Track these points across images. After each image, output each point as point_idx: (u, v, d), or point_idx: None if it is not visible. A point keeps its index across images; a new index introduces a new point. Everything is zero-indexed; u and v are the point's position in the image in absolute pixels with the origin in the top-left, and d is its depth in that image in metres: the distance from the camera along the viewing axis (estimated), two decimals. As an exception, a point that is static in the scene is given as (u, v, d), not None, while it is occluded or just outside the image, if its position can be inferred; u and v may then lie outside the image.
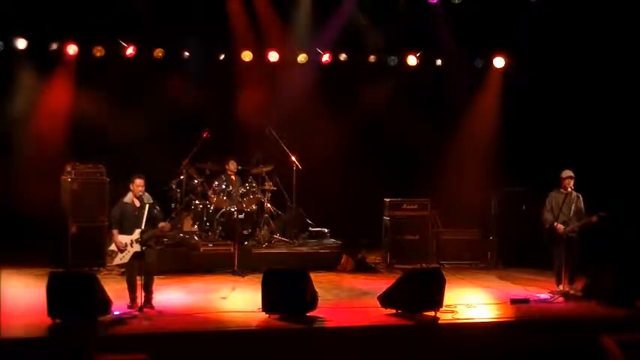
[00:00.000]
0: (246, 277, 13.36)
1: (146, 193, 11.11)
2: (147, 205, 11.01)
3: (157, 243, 11.87)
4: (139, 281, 10.91)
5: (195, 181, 14.92)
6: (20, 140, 14.85)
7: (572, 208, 12.34)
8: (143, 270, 10.92)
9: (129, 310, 10.72)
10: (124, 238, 10.92)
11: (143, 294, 10.87)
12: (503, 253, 14.98)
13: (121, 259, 10.94)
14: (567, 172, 12.42)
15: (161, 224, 11.03)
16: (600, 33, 15.19)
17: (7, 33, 14.53)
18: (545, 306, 11.76)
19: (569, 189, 12.36)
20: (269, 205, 15.33)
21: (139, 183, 11.02)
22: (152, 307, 10.88)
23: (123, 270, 11.34)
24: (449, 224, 15.12)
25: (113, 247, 10.99)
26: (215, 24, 15.40)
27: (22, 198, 14.15)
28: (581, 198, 12.42)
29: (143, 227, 10.89)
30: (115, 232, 10.99)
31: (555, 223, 12.26)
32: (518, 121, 16.05)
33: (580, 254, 12.34)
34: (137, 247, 10.87)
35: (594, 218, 12.21)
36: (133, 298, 10.87)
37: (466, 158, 16.30)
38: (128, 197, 11.09)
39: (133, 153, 14.68)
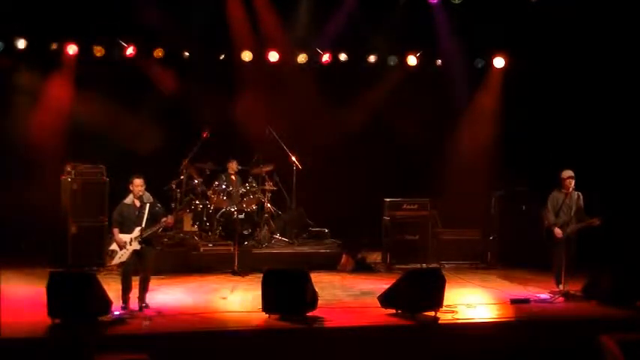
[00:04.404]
0: (246, 277, 13.37)
1: (146, 193, 11.11)
2: (147, 205, 11.02)
3: (156, 243, 11.87)
4: (135, 281, 10.92)
5: (195, 181, 14.93)
6: (20, 140, 14.84)
7: (573, 208, 12.34)
8: (141, 268, 10.93)
9: (128, 311, 10.71)
10: (124, 237, 10.92)
11: (138, 292, 10.88)
12: (503, 253, 14.97)
13: (120, 257, 10.94)
14: (568, 173, 12.42)
15: (164, 219, 11.05)
16: (600, 32, 15.18)
17: (7, 33, 14.52)
18: (545, 306, 11.77)
19: (571, 189, 12.37)
20: (269, 205, 15.33)
21: (137, 183, 11.02)
22: (147, 306, 10.89)
23: (121, 270, 11.29)
24: (449, 224, 15.12)
25: (113, 246, 10.98)
26: (215, 24, 15.40)
27: (22, 198, 14.15)
28: (581, 197, 12.43)
29: (143, 225, 10.90)
30: (115, 230, 10.99)
31: (555, 228, 12.27)
32: (518, 120, 16.05)
33: (577, 254, 12.34)
34: (136, 245, 10.87)
35: (596, 222, 12.21)
36: (125, 299, 10.85)
37: (466, 158, 16.30)
38: (129, 198, 11.09)
39: (133, 153, 14.67)
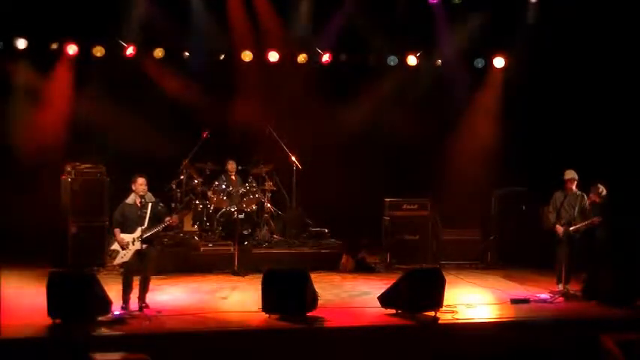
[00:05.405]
0: (246, 277, 13.37)
1: (148, 193, 11.10)
2: (149, 204, 10.99)
3: (157, 242, 11.85)
4: (136, 281, 10.91)
5: (195, 181, 14.93)
6: (20, 140, 14.83)
7: (577, 207, 12.35)
8: (142, 268, 10.92)
9: (128, 311, 10.70)
10: (126, 237, 10.91)
11: (138, 292, 10.87)
12: (503, 253, 14.98)
13: (122, 257, 10.91)
14: (569, 174, 12.43)
15: (167, 218, 11.05)
16: (601, 32, 15.18)
17: (7, 33, 14.52)
18: (545, 306, 11.77)
19: (573, 189, 12.38)
20: (269, 205, 15.33)
21: (141, 182, 11.01)
22: (147, 306, 10.88)
23: (122, 270, 11.27)
24: (449, 224, 15.12)
25: (115, 246, 10.95)
26: (215, 24, 15.41)
27: (22, 198, 14.14)
28: (585, 197, 12.46)
29: (146, 225, 10.89)
30: (116, 230, 10.97)
31: (557, 226, 12.31)
32: (518, 120, 16.05)
33: (579, 254, 12.35)
34: (139, 245, 10.85)
35: (596, 220, 12.26)
36: (126, 300, 10.82)
37: (466, 158, 16.30)
38: (130, 198, 11.08)
39: (133, 153, 14.68)
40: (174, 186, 14.72)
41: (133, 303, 10.86)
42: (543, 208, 13.11)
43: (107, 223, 13.30)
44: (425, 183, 15.52)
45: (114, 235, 11.02)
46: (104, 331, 9.96)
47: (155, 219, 10.99)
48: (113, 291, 10.83)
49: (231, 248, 13.96)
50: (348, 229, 15.28)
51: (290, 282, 10.78)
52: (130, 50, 15.24)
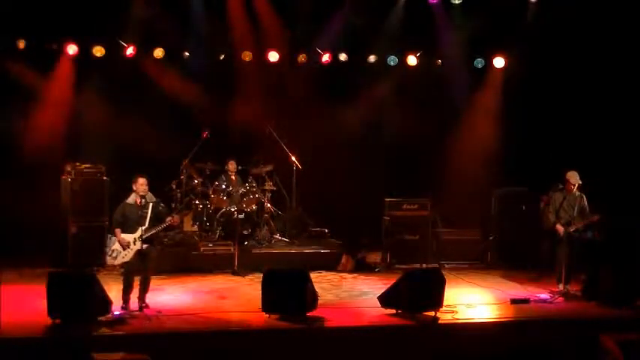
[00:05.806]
0: (246, 277, 13.37)
1: (149, 193, 11.11)
2: (150, 204, 11.00)
3: (157, 242, 11.85)
4: (136, 281, 10.91)
5: (195, 181, 14.93)
6: (20, 140, 14.82)
7: (576, 207, 12.35)
8: (142, 268, 10.92)
9: (129, 310, 10.70)
10: (127, 237, 10.91)
11: (138, 292, 10.87)
12: (503, 253, 14.98)
13: (123, 257, 10.92)
14: (572, 176, 12.40)
15: (169, 218, 11.05)
16: (600, 32, 15.19)
17: (7, 33, 14.51)
18: (545, 306, 11.78)
19: (573, 190, 12.38)
20: (269, 205, 15.33)
21: (142, 182, 11.02)
22: (147, 306, 10.88)
23: (123, 270, 11.27)
24: (449, 224, 15.11)
25: (115, 246, 10.95)
26: (215, 24, 15.41)
27: (22, 198, 14.14)
28: (584, 197, 12.46)
29: (147, 225, 10.89)
30: (117, 230, 10.97)
31: (557, 225, 12.31)
32: (518, 120, 16.05)
33: (579, 254, 12.36)
34: (139, 245, 10.84)
35: (596, 218, 12.28)
36: (126, 300, 10.82)
37: (466, 158, 16.28)
38: (131, 198, 11.08)
39: (133, 153, 14.68)
40: (174, 186, 14.72)
41: (133, 303, 10.87)
42: (543, 208, 13.11)
43: (107, 223, 13.30)
44: (425, 183, 15.51)
45: (115, 235, 11.03)
46: (104, 331, 9.96)
47: (156, 219, 11.00)
48: (113, 291, 10.84)
49: (231, 248, 13.96)
50: (348, 229, 15.29)
51: (290, 282, 10.79)
52: (130, 50, 15.23)
